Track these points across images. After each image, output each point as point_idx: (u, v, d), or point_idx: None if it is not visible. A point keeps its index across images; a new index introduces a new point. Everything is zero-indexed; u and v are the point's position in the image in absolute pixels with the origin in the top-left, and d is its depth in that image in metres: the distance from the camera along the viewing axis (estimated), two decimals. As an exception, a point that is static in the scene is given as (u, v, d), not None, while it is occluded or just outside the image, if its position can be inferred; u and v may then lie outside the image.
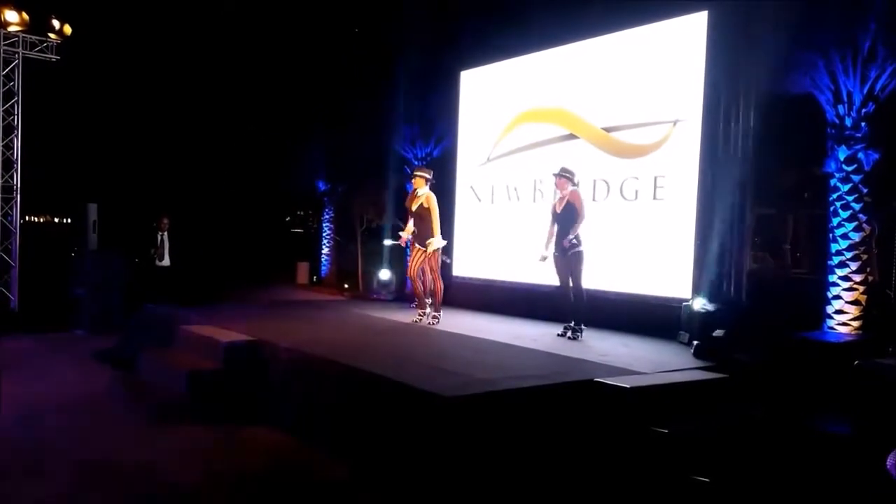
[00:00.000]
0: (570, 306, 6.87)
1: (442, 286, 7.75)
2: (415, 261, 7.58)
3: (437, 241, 7.45)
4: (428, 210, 7.44)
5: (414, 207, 7.54)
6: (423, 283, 7.63)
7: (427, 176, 7.61)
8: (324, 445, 4.85)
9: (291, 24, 12.93)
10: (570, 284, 6.82)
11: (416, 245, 7.57)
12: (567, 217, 6.75)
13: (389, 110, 11.37)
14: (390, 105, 11.33)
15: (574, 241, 6.64)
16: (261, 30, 13.45)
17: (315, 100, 13.60)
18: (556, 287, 7.08)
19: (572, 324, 6.86)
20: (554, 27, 8.53)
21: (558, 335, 6.87)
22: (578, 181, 6.98)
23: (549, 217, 7.02)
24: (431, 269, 7.54)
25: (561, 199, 6.86)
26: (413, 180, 7.71)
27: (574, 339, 6.74)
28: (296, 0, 12.67)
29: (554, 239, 6.88)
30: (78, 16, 11.19)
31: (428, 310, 7.67)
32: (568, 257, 6.73)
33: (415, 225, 7.54)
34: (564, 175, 6.84)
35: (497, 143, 9.42)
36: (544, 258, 6.93)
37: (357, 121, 12.62)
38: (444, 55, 10.24)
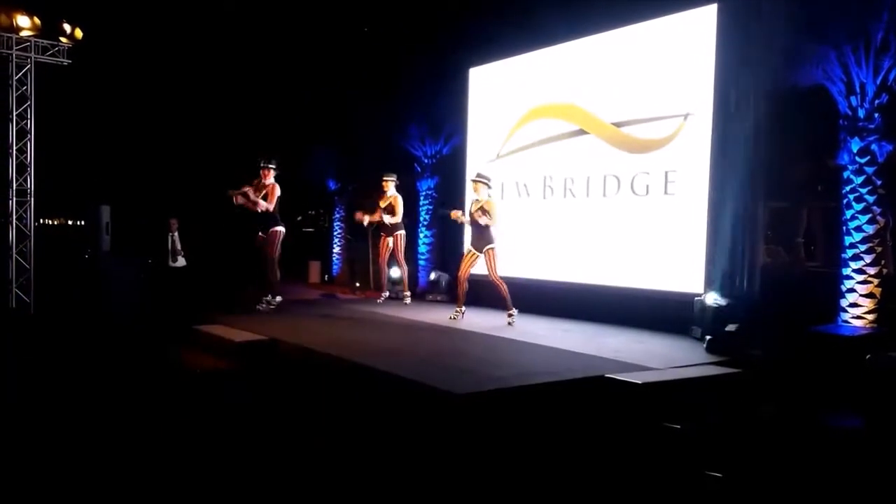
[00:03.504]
0: (462, 294, 7.89)
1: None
2: (386, 250, 9.17)
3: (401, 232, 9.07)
4: (393, 205, 8.98)
5: (384, 204, 9.00)
6: (390, 267, 9.42)
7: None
8: (338, 445, 4.86)
9: (299, 24, 12.95)
10: (489, 277, 7.61)
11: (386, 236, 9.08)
12: (482, 221, 7.51)
13: (398, 108, 11.37)
14: (399, 103, 11.33)
15: (493, 245, 7.53)
16: (269, 31, 13.47)
17: (324, 99, 13.62)
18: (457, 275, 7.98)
19: (459, 310, 7.87)
20: (562, 23, 8.50)
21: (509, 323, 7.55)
22: (492, 185, 7.96)
23: (467, 216, 7.85)
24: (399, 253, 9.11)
25: (476, 202, 7.66)
26: (383, 184, 9.06)
27: (510, 323, 7.46)
28: (305, 1, 12.68)
29: (471, 236, 7.77)
30: (89, 20, 11.26)
31: (386, 293, 9.40)
32: (484, 256, 7.57)
33: (386, 218, 9.00)
34: (480, 180, 7.68)
35: (507, 139, 9.41)
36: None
37: (366, 119, 12.63)
38: (452, 53, 10.21)
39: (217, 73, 14.75)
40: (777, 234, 7.63)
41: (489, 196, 7.72)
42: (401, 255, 9.14)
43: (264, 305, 8.21)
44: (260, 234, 8.23)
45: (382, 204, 9.03)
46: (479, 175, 7.82)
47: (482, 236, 7.57)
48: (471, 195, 9.88)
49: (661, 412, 4.53)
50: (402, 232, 9.10)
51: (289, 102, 14.33)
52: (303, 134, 14.32)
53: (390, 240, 9.06)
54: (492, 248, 7.53)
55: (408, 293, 9.37)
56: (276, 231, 8.19)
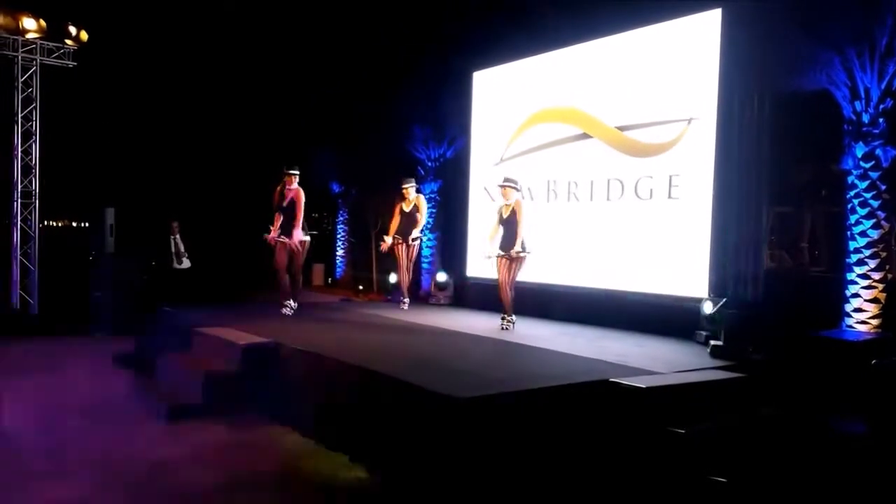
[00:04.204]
0: (506, 302, 7.46)
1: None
2: (405, 257, 8.91)
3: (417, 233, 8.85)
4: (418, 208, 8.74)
5: (408, 209, 8.76)
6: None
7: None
8: (340, 447, 4.87)
9: (303, 27, 12.99)
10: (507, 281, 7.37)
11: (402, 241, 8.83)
12: (511, 223, 7.32)
13: (402, 111, 11.39)
14: (403, 106, 11.34)
15: (520, 249, 7.23)
16: (273, 34, 13.52)
17: (328, 102, 13.65)
18: (493, 283, 7.67)
19: (506, 317, 7.47)
20: (566, 27, 8.50)
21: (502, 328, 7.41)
22: (520, 188, 7.63)
23: (496, 219, 7.54)
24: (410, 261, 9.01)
25: (507, 206, 7.41)
26: (403, 190, 8.78)
27: (507, 329, 7.36)
28: (308, 4, 12.73)
29: (499, 241, 7.44)
30: (94, 22, 11.31)
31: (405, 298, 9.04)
32: (512, 260, 7.29)
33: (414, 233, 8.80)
34: (509, 185, 7.43)
35: (510, 143, 9.41)
36: (489, 257, 7.46)
37: (370, 123, 12.65)
38: (456, 56, 10.23)
39: (222, 77, 14.79)
40: (781, 238, 7.63)
41: (520, 198, 7.49)
42: (411, 263, 8.98)
43: (287, 309, 7.99)
44: (281, 237, 7.89)
45: (406, 208, 8.77)
46: (506, 179, 7.53)
47: (513, 241, 7.27)
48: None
49: (665, 416, 4.52)
50: (420, 240, 8.89)
51: (292, 105, 14.37)
52: (306, 137, 14.35)
53: (405, 246, 8.82)
54: (522, 255, 7.26)
55: (406, 299, 9.11)
56: (303, 241, 7.96)
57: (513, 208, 7.36)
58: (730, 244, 6.91)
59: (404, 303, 9.06)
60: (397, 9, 11.23)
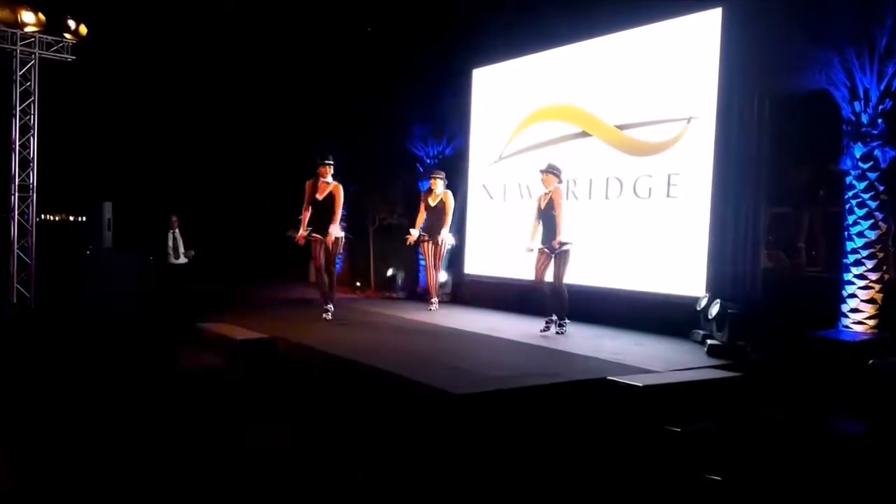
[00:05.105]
0: (552, 302, 6.95)
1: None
2: (431, 255, 8.79)
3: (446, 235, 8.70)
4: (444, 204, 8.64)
5: (434, 203, 8.66)
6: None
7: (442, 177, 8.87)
8: (337, 444, 4.87)
9: (303, 22, 12.96)
10: (552, 281, 6.89)
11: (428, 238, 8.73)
12: (549, 213, 6.90)
13: (401, 109, 11.36)
14: (402, 103, 11.32)
15: (563, 241, 6.77)
16: (273, 30, 13.49)
17: (326, 98, 13.63)
18: (530, 281, 7.23)
19: (554, 318, 6.94)
20: (566, 25, 8.50)
21: (541, 331, 6.91)
22: (562, 178, 7.21)
23: (534, 212, 7.14)
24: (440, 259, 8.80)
25: (545, 195, 7.02)
26: (431, 181, 8.79)
27: (560, 333, 6.83)
28: (309, 0, 12.70)
29: (539, 234, 7.03)
30: (94, 16, 11.28)
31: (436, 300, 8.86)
32: (555, 256, 6.84)
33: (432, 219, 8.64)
34: (552, 171, 6.99)
35: (509, 141, 9.41)
36: (531, 250, 7.05)
37: (369, 119, 12.63)
38: (456, 53, 10.22)
39: (220, 72, 14.75)
40: (779, 238, 7.64)
41: (558, 184, 7.04)
42: (440, 261, 8.75)
43: (328, 314, 7.57)
44: (313, 234, 7.47)
45: (433, 203, 8.61)
46: (550, 166, 7.01)
47: (554, 232, 6.77)
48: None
49: (662, 415, 4.53)
50: (447, 236, 8.64)
51: (292, 101, 14.34)
52: (305, 132, 14.33)
53: (432, 245, 8.64)
54: (567, 250, 6.80)
55: (435, 300, 8.84)
56: (339, 238, 7.63)
57: (550, 196, 6.91)
58: (728, 243, 6.93)
59: (433, 303, 8.77)
60: (397, 6, 11.20)
